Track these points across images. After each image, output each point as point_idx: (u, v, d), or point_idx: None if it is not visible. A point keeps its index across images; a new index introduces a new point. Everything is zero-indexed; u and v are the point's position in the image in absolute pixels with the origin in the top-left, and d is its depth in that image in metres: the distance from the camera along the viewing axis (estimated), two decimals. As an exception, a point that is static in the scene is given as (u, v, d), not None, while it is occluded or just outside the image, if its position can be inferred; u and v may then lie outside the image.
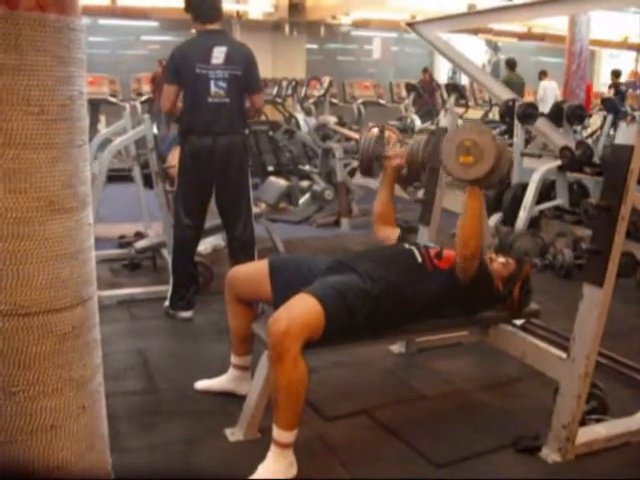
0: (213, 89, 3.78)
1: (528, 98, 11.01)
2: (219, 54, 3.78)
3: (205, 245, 4.96)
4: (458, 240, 2.63)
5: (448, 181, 3.44)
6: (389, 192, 3.18)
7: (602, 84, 18.08)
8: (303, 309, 2.34)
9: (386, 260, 2.70)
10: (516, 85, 10.84)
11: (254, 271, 2.85)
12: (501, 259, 2.87)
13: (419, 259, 2.72)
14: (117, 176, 5.80)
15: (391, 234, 3.12)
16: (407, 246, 2.83)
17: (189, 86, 3.81)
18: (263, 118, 10.53)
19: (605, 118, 9.26)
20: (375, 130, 3.14)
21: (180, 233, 3.98)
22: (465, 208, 2.61)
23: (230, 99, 3.81)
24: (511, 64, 12.33)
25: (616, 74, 13.32)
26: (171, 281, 4.05)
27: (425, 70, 13.51)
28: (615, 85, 9.42)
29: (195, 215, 3.95)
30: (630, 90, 9.54)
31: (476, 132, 2.56)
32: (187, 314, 4.00)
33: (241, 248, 4.01)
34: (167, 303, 4.04)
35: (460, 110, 9.98)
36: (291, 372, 2.26)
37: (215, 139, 3.80)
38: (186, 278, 4.00)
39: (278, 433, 2.32)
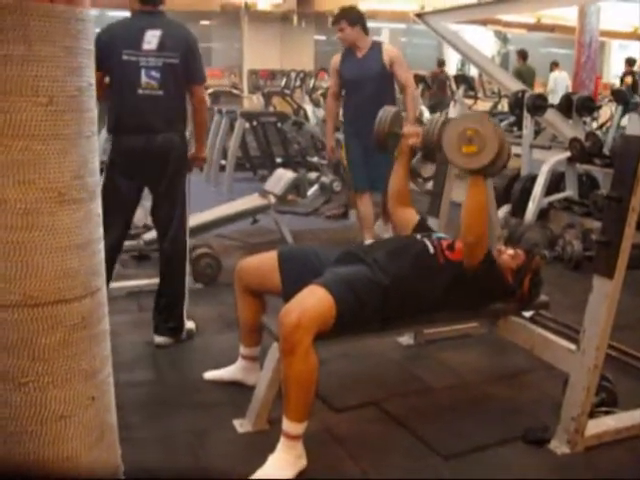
0: (144, 79, 3.24)
1: (537, 89, 10.93)
2: (152, 38, 3.24)
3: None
4: (461, 227, 2.62)
5: (457, 173, 3.43)
6: (404, 169, 3.09)
7: (613, 76, 17.94)
8: (314, 301, 2.34)
9: (397, 251, 2.68)
10: (526, 76, 10.77)
11: (263, 262, 2.84)
12: (510, 251, 2.85)
13: (431, 250, 2.70)
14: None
15: (410, 217, 3.05)
16: (419, 237, 2.80)
17: (115, 75, 3.27)
18: (271, 109, 10.57)
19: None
20: (391, 107, 3.09)
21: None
22: (468, 196, 2.60)
23: (164, 91, 3.26)
24: (523, 55, 12.21)
25: (630, 62, 12.23)
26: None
27: (441, 63, 13.23)
28: (626, 74, 9.09)
29: (112, 232, 3.08)
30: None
31: (477, 121, 2.54)
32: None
33: (168, 261, 3.49)
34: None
35: (469, 101, 9.93)
36: (302, 364, 2.26)
37: (149, 138, 3.28)
38: None
39: (288, 425, 2.32)
